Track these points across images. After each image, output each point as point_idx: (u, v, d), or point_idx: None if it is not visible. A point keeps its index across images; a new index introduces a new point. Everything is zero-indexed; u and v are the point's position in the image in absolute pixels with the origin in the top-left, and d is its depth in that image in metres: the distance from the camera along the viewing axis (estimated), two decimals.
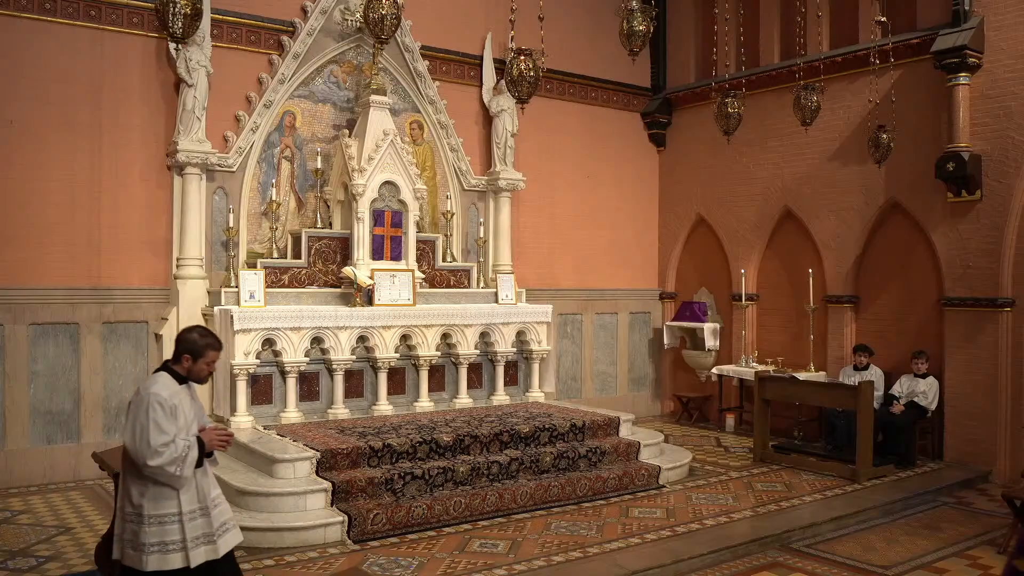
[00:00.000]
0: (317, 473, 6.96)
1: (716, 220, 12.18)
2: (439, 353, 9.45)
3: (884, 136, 9.24)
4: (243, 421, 8.13)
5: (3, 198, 8.15)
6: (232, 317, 8.11)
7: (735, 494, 8.04)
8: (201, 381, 4.23)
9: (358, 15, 9.56)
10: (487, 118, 11.06)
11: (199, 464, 4.05)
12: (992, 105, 9.05)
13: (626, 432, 8.93)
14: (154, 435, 3.87)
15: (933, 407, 9.32)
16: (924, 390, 9.32)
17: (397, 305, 9.07)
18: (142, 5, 8.76)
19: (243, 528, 6.31)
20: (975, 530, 7.24)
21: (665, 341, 12.52)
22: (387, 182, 9.31)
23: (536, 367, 10.23)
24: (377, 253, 9.26)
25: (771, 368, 10.57)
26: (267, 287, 8.63)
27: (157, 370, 4.21)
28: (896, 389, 9.50)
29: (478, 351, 9.75)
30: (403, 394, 9.44)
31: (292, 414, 8.49)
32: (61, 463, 8.35)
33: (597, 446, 8.33)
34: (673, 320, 12.49)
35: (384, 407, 9.02)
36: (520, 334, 10.05)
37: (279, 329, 8.38)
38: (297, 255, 9.19)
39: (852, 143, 10.39)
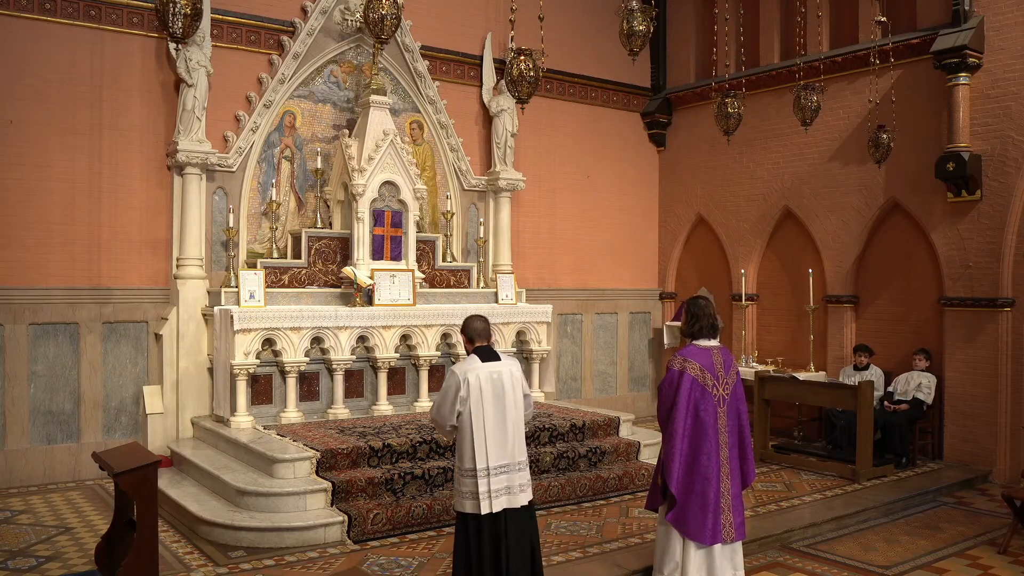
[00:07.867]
0: (317, 473, 6.96)
1: (716, 220, 12.18)
2: (439, 353, 9.44)
3: (884, 136, 9.24)
4: (243, 421, 8.13)
5: (3, 198, 8.15)
6: (232, 317, 8.11)
7: None
8: None
9: (358, 15, 9.57)
10: (487, 118, 11.06)
11: None
12: (992, 105, 9.05)
13: (626, 432, 8.93)
14: None
15: (929, 400, 9.31)
16: (923, 383, 9.33)
17: (397, 305, 9.07)
18: (142, 5, 8.76)
19: (243, 528, 6.37)
20: (975, 530, 7.24)
21: (665, 341, 12.52)
22: (387, 182, 9.31)
23: (536, 367, 10.23)
24: (377, 253, 9.26)
25: (771, 368, 10.57)
26: (267, 287, 8.63)
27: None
28: (894, 386, 9.51)
29: None
30: (403, 394, 9.45)
31: (292, 414, 8.50)
32: (61, 463, 8.35)
33: (597, 446, 8.34)
34: (673, 320, 12.46)
35: (384, 407, 9.03)
36: (520, 334, 10.05)
37: (279, 329, 8.38)
38: (297, 255, 9.20)
39: (852, 143, 10.39)
